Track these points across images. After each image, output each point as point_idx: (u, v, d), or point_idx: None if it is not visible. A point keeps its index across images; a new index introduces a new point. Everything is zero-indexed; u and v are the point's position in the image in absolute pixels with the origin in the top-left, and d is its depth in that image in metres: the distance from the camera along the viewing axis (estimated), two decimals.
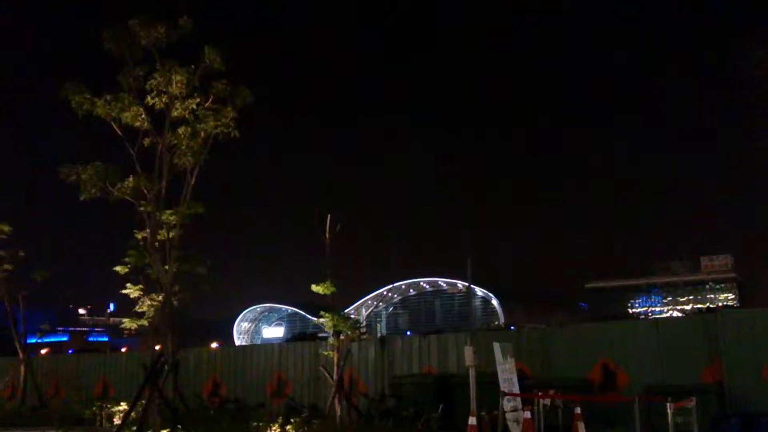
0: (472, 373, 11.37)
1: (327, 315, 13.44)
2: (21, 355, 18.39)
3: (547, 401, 11.68)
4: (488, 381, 11.68)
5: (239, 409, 14.91)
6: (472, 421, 10.48)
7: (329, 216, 13.77)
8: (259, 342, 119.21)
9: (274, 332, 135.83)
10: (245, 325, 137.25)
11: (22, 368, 18.13)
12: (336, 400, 12.90)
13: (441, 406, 12.74)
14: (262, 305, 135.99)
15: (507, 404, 11.38)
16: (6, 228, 18.14)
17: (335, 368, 13.28)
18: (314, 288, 13.61)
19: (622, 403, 11.83)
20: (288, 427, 11.60)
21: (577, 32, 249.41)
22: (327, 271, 13.69)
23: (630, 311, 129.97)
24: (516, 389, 11.76)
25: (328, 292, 13.48)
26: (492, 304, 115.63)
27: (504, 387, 11.48)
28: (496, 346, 11.86)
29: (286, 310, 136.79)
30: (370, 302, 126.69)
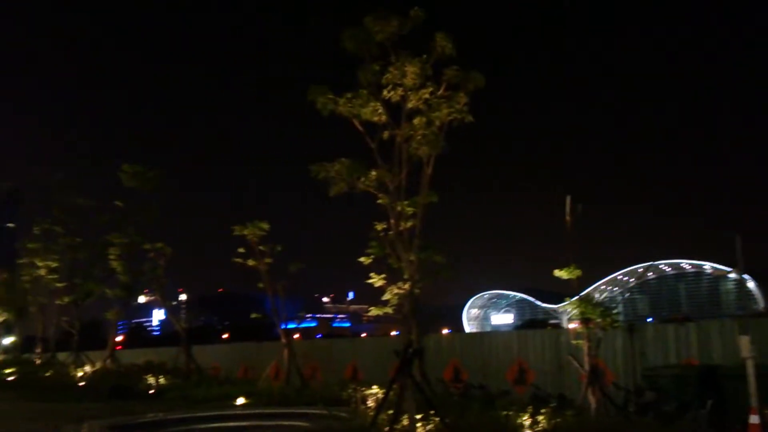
0: (749, 365, 10.04)
1: (574, 301, 12.76)
2: (284, 340, 20.18)
3: None
4: (766, 374, 10.23)
5: (485, 396, 14.83)
6: (753, 419, 9.23)
7: (569, 197, 13.09)
8: (488, 328, 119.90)
9: (502, 319, 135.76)
10: (474, 311, 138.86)
11: (286, 352, 19.86)
12: (589, 391, 12.21)
13: (710, 402, 11.45)
14: (489, 292, 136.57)
15: None
16: (265, 226, 20.06)
17: (585, 357, 12.58)
18: (557, 273, 13.01)
19: None
20: (539, 417, 11.19)
21: None
22: (569, 255, 13.03)
23: None
24: None
25: (573, 276, 12.79)
26: (748, 287, 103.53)
27: None
28: None
29: (514, 296, 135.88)
30: (603, 287, 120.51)
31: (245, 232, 20.05)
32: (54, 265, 32.64)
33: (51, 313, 38.60)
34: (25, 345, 55.51)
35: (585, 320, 12.66)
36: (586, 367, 12.45)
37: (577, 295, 13.05)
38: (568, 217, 13.14)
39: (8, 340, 58.05)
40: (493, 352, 18.85)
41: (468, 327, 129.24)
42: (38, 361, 37.08)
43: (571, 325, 20.21)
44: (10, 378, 30.03)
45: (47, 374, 28.76)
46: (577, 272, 12.80)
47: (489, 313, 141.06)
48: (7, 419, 15.76)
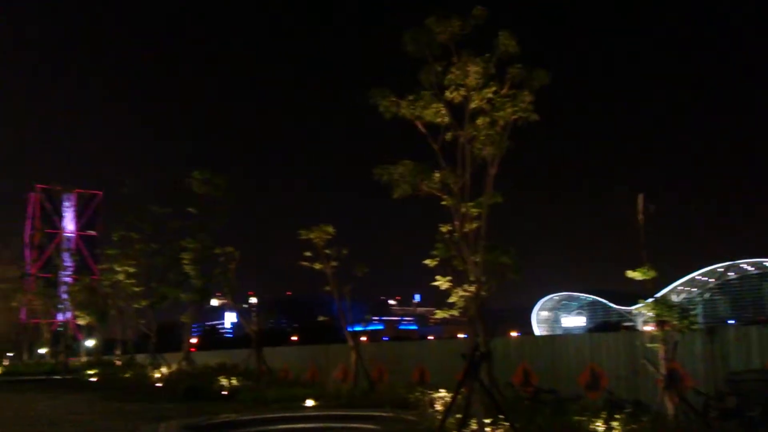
0: None
1: (649, 303, 12.28)
2: (350, 342, 20.29)
3: None
4: None
5: (556, 401, 14.48)
6: None
7: (641, 195, 12.63)
8: (559, 331, 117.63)
9: (574, 321, 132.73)
10: (544, 313, 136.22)
11: (353, 355, 19.96)
12: (667, 397, 11.74)
13: None
14: (559, 294, 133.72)
15: None
16: (331, 229, 20.26)
17: (661, 361, 12.10)
18: (630, 274, 12.55)
19: None
20: (613, 423, 10.82)
21: None
22: (643, 255, 12.55)
23: None
24: None
25: (647, 277, 12.31)
26: None
27: None
28: None
29: (585, 298, 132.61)
30: (680, 288, 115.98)
31: (311, 236, 20.30)
32: (132, 270, 33.96)
33: (129, 316, 40.21)
34: (105, 347, 58.07)
35: (661, 322, 12.17)
36: (663, 371, 11.98)
37: (653, 296, 12.57)
38: (640, 216, 12.69)
39: (90, 343, 60.83)
40: (564, 356, 18.40)
41: (537, 330, 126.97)
42: (118, 363, 38.70)
43: (647, 328, 19.48)
44: (93, 379, 31.43)
45: (127, 375, 29.93)
46: (652, 273, 12.32)
47: (559, 316, 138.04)
48: (89, 418, 16.45)
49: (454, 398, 10.75)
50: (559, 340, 21.99)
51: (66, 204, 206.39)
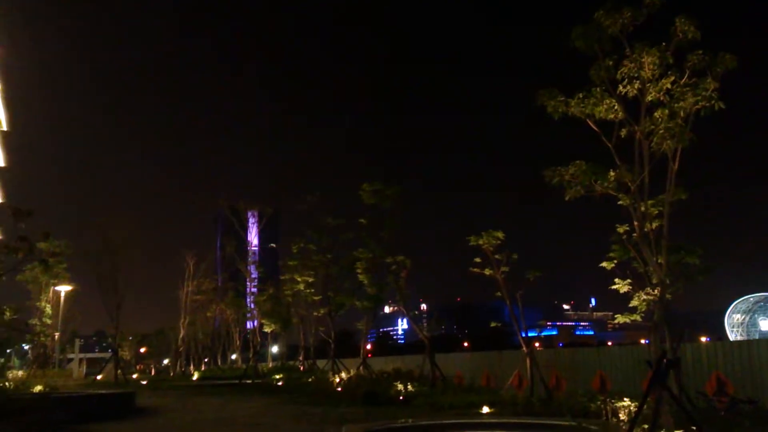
0: None
1: None
2: (525, 348, 19.93)
3: None
4: None
5: (756, 412, 13.24)
6: None
7: None
8: (757, 336, 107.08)
9: None
10: (737, 317, 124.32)
11: (528, 361, 19.58)
12: None
13: None
14: (756, 295, 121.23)
15: None
16: (500, 234, 20.13)
17: None
18: None
19: None
20: None
21: None
22: None
23: None
24: None
25: None
26: None
27: None
28: None
29: None
30: None
31: (480, 241, 20.30)
32: (311, 280, 36.02)
33: (309, 323, 42.59)
34: (290, 353, 61.87)
35: None
36: None
37: None
38: None
39: (276, 349, 65.16)
40: (763, 363, 16.82)
41: (731, 334, 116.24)
42: (302, 368, 41.10)
43: None
44: (279, 383, 33.62)
45: (309, 380, 31.68)
46: None
47: (757, 319, 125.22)
48: (278, 421, 17.61)
49: (640, 408, 10.19)
50: (757, 345, 20.05)
51: (251, 219, 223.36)
